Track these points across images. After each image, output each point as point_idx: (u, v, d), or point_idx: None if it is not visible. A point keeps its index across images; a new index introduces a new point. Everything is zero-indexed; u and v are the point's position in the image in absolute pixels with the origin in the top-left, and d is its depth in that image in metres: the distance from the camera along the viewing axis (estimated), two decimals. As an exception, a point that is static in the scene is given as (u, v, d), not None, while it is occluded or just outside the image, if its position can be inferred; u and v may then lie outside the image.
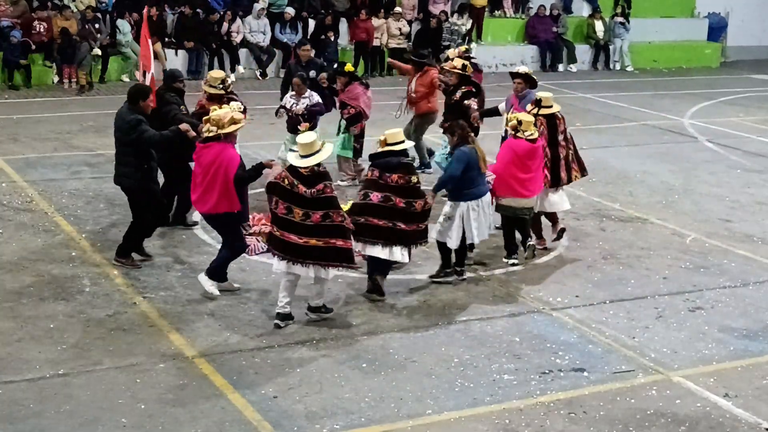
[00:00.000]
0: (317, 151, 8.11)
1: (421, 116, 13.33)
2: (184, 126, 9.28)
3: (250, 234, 10.23)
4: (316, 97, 11.96)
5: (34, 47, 19.07)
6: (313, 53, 14.08)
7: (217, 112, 8.63)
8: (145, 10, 13.09)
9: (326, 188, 8.09)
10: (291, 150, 9.00)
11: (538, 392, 7.29)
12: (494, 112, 11.75)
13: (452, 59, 12.02)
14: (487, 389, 7.30)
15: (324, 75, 12.45)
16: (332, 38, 21.39)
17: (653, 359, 7.96)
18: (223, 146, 8.51)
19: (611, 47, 25.22)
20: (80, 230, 10.48)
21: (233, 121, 8.51)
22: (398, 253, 8.76)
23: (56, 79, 19.24)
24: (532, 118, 9.89)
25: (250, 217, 10.56)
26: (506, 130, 10.59)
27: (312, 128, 11.29)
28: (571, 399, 7.21)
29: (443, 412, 6.93)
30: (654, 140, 16.52)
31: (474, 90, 11.66)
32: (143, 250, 9.64)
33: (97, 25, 19.64)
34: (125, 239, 9.46)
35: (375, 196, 8.68)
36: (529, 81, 11.16)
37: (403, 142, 8.86)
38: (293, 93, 11.98)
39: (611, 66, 25.26)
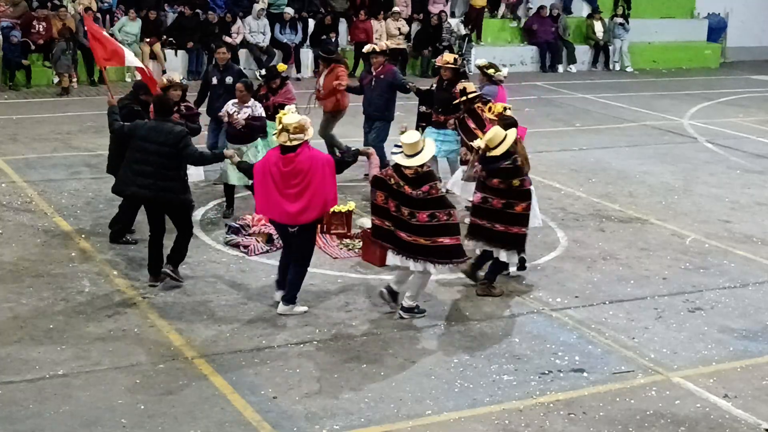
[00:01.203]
0: (420, 151, 8.19)
1: (330, 113, 13.12)
2: (228, 152, 9.18)
3: (250, 234, 10.26)
4: (260, 109, 11.01)
5: (33, 47, 19.09)
6: (229, 56, 12.84)
7: (290, 118, 8.25)
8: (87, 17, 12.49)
9: (432, 189, 8.19)
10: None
11: (538, 393, 7.29)
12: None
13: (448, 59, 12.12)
14: (487, 390, 7.30)
15: (241, 85, 11.00)
16: (332, 39, 21.38)
17: (653, 360, 7.97)
18: (310, 148, 8.33)
19: (611, 48, 25.22)
20: (80, 230, 10.48)
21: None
22: (504, 255, 9.01)
23: (56, 79, 19.23)
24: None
25: (250, 217, 10.59)
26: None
27: (253, 140, 10.82)
28: (570, 399, 7.22)
29: (443, 413, 6.93)
30: (654, 141, 16.52)
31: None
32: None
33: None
34: (178, 251, 8.96)
35: (476, 197, 9.00)
36: (485, 76, 11.81)
37: (500, 145, 8.75)
38: (236, 101, 10.95)
39: (611, 66, 25.26)
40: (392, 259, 8.42)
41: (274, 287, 8.78)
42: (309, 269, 9.46)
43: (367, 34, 21.98)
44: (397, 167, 8.25)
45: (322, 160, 8.32)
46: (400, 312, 8.53)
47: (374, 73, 12.68)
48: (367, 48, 13.17)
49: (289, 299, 8.49)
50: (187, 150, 8.72)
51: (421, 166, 8.19)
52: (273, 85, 11.91)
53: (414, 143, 8.17)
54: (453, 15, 24.10)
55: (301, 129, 8.18)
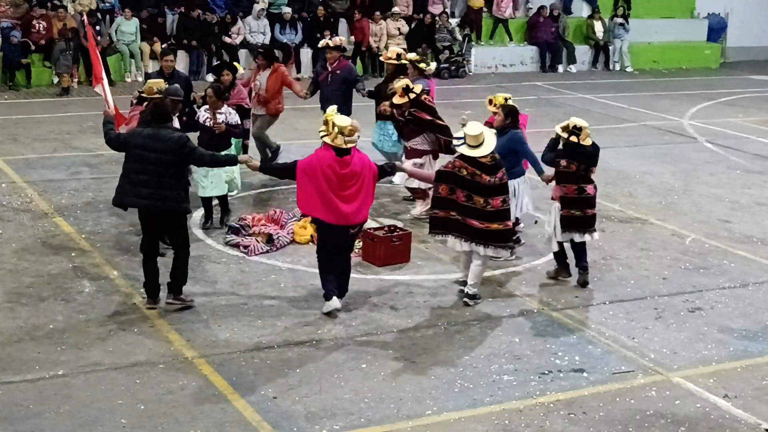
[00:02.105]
0: (483, 142, 8.52)
1: (271, 116, 12.85)
2: (243, 158, 9.03)
3: (250, 235, 10.26)
4: (234, 116, 10.63)
5: (33, 47, 19.09)
6: (175, 64, 12.17)
7: (343, 121, 8.29)
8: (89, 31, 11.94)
9: (504, 175, 8.65)
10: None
11: (538, 393, 7.29)
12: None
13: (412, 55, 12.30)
14: (487, 390, 7.30)
15: (211, 90, 10.58)
16: (326, 37, 21.41)
17: (653, 360, 7.97)
18: (358, 151, 8.48)
19: (611, 48, 25.23)
20: (80, 231, 10.48)
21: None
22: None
23: (56, 79, 19.23)
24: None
25: (250, 217, 10.59)
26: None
27: (227, 147, 10.45)
28: (570, 400, 7.22)
29: (443, 413, 6.93)
30: (654, 141, 16.52)
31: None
32: None
33: (98, 27, 19.63)
34: (179, 274, 8.52)
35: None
36: (416, 68, 11.90)
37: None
38: (207, 107, 10.56)
39: (611, 67, 25.27)
40: (460, 245, 8.72)
41: (325, 299, 8.54)
42: (309, 269, 9.53)
43: (363, 33, 22.03)
44: (467, 158, 8.52)
45: (369, 164, 8.53)
46: (466, 299, 8.86)
47: (330, 69, 12.49)
48: (321, 43, 12.93)
49: (345, 292, 8.75)
50: (194, 153, 8.41)
51: (492, 153, 8.53)
52: (222, 82, 11.39)
53: (477, 135, 8.49)
54: (453, 15, 24.11)
55: (354, 131, 8.32)
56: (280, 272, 9.54)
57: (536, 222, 10.83)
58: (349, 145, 8.27)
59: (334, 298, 8.50)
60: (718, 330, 8.62)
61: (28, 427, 6.50)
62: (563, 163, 9.24)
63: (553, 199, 9.45)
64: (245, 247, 10.03)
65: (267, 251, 10.04)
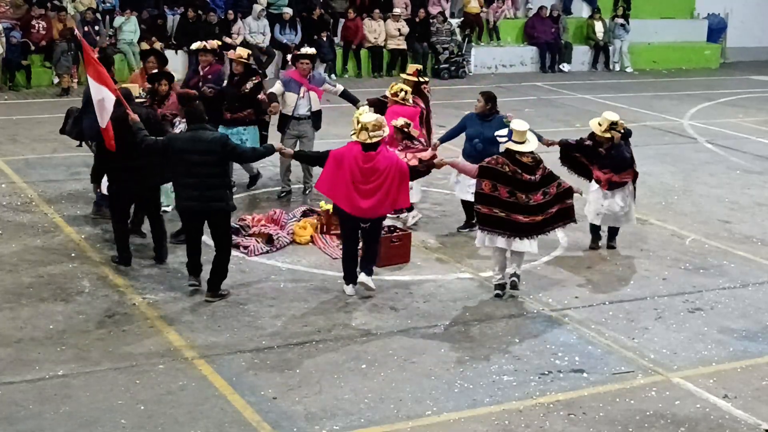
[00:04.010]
0: (528, 139, 8.77)
1: None
2: (278, 145, 9.30)
3: (250, 235, 10.25)
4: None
5: (33, 48, 19.08)
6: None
7: (368, 117, 8.56)
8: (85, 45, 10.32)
9: (545, 169, 8.92)
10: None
11: (538, 393, 7.29)
12: (272, 97, 11.67)
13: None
14: (487, 390, 7.30)
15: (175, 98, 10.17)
16: (324, 38, 21.46)
17: (653, 360, 7.97)
18: (387, 149, 8.81)
19: (611, 48, 25.22)
20: (80, 231, 10.48)
21: None
22: None
23: (56, 80, 19.22)
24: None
25: (250, 218, 10.60)
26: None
27: None
28: (570, 400, 7.22)
29: (443, 413, 6.93)
30: (654, 141, 16.51)
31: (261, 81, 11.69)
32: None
33: (96, 27, 19.64)
34: (219, 272, 8.70)
35: None
36: (314, 62, 12.20)
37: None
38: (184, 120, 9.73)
39: (611, 67, 25.25)
40: (502, 242, 8.87)
41: (343, 283, 9.02)
42: (309, 269, 9.57)
43: (356, 33, 22.05)
44: (509, 155, 8.73)
45: (397, 162, 8.71)
46: (511, 288, 9.11)
47: (201, 73, 11.87)
48: (196, 45, 12.10)
49: (370, 270, 8.97)
50: (237, 150, 8.71)
51: (533, 154, 8.79)
52: (160, 91, 10.51)
53: (523, 131, 8.73)
54: (453, 15, 24.12)
55: (379, 126, 8.56)
56: (280, 272, 9.54)
57: None
58: (374, 140, 8.54)
59: (350, 285, 8.92)
60: (718, 330, 8.62)
61: (28, 427, 6.50)
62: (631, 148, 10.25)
63: (614, 186, 10.19)
64: (245, 247, 10.02)
65: (267, 251, 10.04)
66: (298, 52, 12.01)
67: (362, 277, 8.93)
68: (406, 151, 10.48)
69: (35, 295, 8.73)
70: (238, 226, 10.34)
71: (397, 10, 22.73)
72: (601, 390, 7.41)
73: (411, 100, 11.22)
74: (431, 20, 22.89)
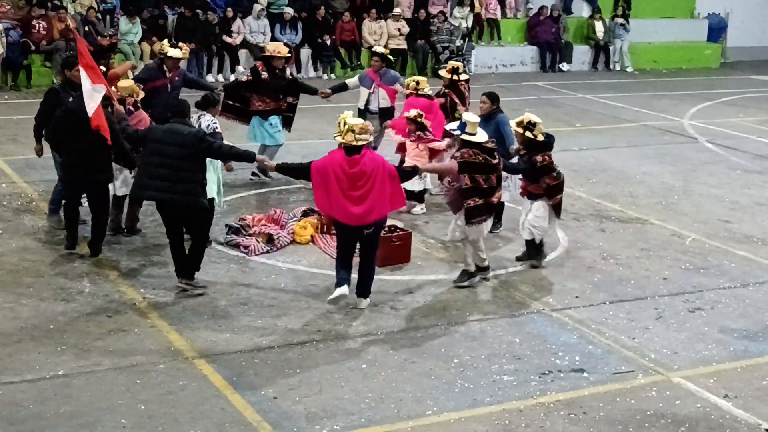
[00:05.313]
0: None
1: None
2: (260, 157, 9.32)
3: (250, 235, 10.26)
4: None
5: (33, 48, 19.08)
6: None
7: (355, 120, 8.48)
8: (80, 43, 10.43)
9: (499, 155, 9.36)
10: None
11: (538, 393, 7.29)
12: (343, 87, 13.12)
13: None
14: (487, 390, 7.30)
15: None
16: (326, 40, 21.46)
17: (653, 360, 7.97)
18: (371, 151, 8.63)
19: (611, 48, 25.24)
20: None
21: None
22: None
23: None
24: None
25: (250, 217, 10.60)
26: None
27: None
28: (570, 400, 7.22)
29: (443, 413, 6.93)
30: (654, 141, 16.52)
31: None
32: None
33: (96, 27, 19.62)
34: (193, 258, 8.88)
35: None
36: (385, 60, 12.80)
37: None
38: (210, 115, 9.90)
39: (611, 67, 25.28)
40: (488, 225, 9.35)
41: (334, 285, 8.59)
42: (308, 269, 9.55)
43: (352, 33, 22.04)
44: (475, 145, 9.03)
45: (383, 164, 8.57)
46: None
47: (168, 77, 11.69)
48: (178, 53, 11.80)
49: (368, 293, 8.80)
50: (213, 147, 8.62)
51: (490, 139, 9.26)
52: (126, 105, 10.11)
53: (475, 122, 9.14)
54: (454, 9, 24.11)
55: (365, 130, 8.44)
56: (280, 272, 9.54)
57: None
58: (360, 143, 8.36)
59: (344, 286, 8.53)
60: (719, 330, 8.62)
61: (28, 427, 6.50)
62: (539, 158, 9.62)
63: (532, 196, 9.80)
64: (245, 247, 10.03)
65: (267, 251, 10.04)
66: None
67: (361, 303, 8.71)
68: (418, 141, 11.13)
69: (35, 295, 8.73)
70: (238, 226, 10.35)
71: (397, 10, 22.73)
72: (601, 390, 7.41)
73: (427, 90, 11.87)
74: (431, 20, 22.91)
